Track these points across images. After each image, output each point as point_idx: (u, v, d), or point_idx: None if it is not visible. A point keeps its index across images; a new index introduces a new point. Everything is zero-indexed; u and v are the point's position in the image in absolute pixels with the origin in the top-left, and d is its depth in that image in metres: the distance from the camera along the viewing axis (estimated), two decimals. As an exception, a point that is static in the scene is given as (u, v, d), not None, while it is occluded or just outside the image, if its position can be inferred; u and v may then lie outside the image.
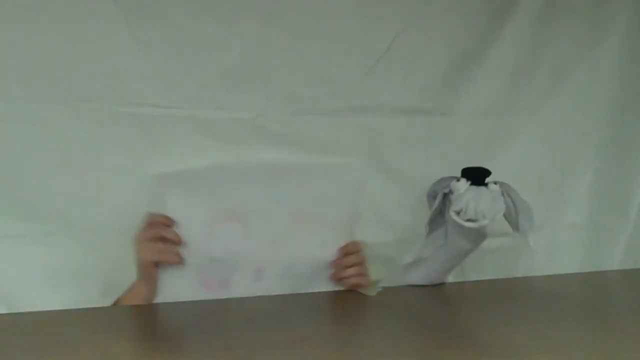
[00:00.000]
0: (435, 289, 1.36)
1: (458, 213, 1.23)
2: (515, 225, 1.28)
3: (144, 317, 1.17)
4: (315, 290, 1.32)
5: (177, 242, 1.23)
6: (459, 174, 1.31)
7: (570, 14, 1.55)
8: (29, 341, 1.03)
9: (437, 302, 1.31)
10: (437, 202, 1.29)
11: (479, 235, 1.26)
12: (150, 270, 1.23)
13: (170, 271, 1.23)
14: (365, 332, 1.11)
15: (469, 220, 1.22)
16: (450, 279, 1.48)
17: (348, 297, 1.31)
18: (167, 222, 1.24)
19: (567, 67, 1.58)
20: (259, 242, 1.27)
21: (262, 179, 1.29)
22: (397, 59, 1.43)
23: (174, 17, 1.31)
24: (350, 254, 1.32)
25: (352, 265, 1.31)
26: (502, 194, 1.26)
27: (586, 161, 1.64)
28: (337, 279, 1.32)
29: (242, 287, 1.27)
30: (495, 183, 1.27)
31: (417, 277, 1.36)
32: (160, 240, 1.23)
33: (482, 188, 1.25)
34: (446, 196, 1.29)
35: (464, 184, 1.25)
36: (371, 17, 1.41)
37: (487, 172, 1.27)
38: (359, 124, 1.43)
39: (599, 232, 1.64)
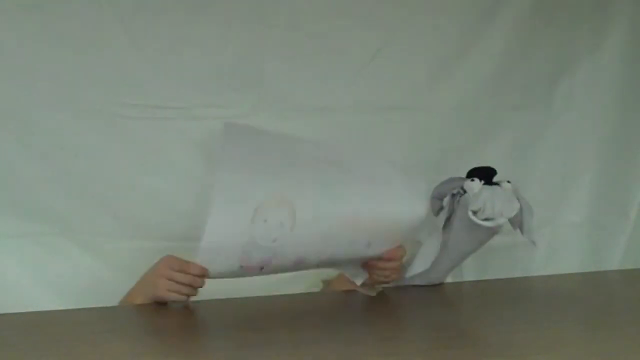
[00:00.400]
0: (435, 289, 1.36)
1: (475, 213, 1.23)
2: (519, 225, 1.27)
3: (144, 317, 1.17)
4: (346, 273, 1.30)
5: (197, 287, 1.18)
6: (456, 174, 1.31)
7: (570, 14, 1.55)
8: (29, 341, 1.03)
9: (437, 302, 1.31)
10: (447, 204, 1.29)
11: (490, 235, 1.27)
12: (155, 300, 1.20)
13: (211, 249, 1.15)
14: (365, 332, 1.10)
15: (485, 219, 1.22)
16: (450, 279, 1.47)
17: (348, 297, 1.31)
18: (203, 273, 1.16)
19: (566, 67, 1.58)
20: (306, 235, 1.19)
21: (320, 165, 1.22)
22: (388, 59, 1.44)
23: (170, 18, 1.32)
24: (392, 261, 1.27)
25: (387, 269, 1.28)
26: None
27: (586, 161, 1.64)
28: (367, 266, 1.28)
29: (278, 271, 1.23)
30: (508, 182, 1.27)
31: (417, 277, 1.36)
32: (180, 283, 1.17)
33: (496, 187, 1.26)
34: (454, 197, 1.29)
35: (478, 183, 1.25)
36: (364, 19, 1.42)
37: (494, 172, 1.28)
38: (349, 121, 1.43)
39: (599, 232, 1.64)
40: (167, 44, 1.33)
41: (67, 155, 1.31)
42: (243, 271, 1.19)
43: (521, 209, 1.27)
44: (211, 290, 1.22)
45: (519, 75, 1.54)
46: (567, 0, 1.55)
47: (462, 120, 1.52)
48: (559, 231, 1.63)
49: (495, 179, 1.29)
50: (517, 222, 1.28)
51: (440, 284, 1.39)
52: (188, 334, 1.08)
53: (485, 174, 1.27)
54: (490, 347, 0.99)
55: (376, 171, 1.27)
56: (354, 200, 1.21)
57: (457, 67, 1.49)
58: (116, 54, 1.30)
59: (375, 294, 1.30)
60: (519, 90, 1.55)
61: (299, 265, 1.23)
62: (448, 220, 1.30)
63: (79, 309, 1.20)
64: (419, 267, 1.31)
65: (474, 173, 1.27)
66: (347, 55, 1.42)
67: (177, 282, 1.16)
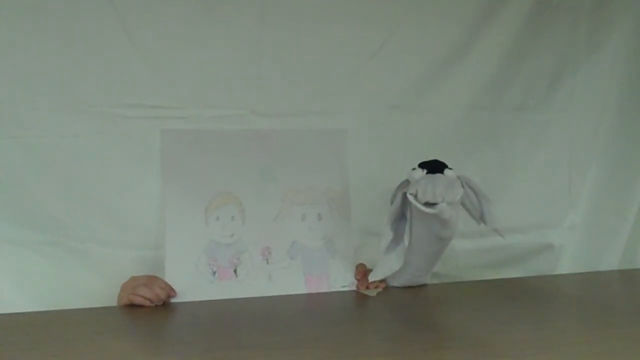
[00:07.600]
0: (435, 290, 1.36)
1: (416, 197, 1.21)
2: (480, 217, 1.25)
3: (144, 317, 1.17)
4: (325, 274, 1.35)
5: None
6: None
7: (571, 14, 1.55)
8: (30, 341, 1.03)
9: (437, 302, 1.31)
10: (396, 201, 1.27)
11: (441, 224, 1.23)
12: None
13: (177, 258, 1.26)
14: (365, 332, 1.11)
15: (427, 204, 1.20)
16: (450, 279, 1.47)
17: (348, 298, 1.31)
18: (171, 293, 1.24)
19: (567, 67, 1.58)
20: (259, 222, 1.31)
21: (253, 155, 1.34)
22: (385, 60, 1.44)
23: (169, 18, 1.32)
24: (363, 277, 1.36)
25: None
26: (460, 181, 1.23)
27: (586, 161, 1.64)
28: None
29: (254, 271, 1.30)
30: (450, 169, 1.25)
31: (395, 281, 1.35)
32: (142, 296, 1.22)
33: (438, 174, 1.23)
34: (405, 195, 1.27)
35: (419, 172, 1.24)
36: (363, 18, 1.42)
37: (443, 165, 1.25)
38: (347, 121, 1.44)
39: (599, 232, 1.64)
40: (165, 44, 1.33)
41: (65, 158, 1.30)
42: (219, 279, 1.27)
43: (479, 200, 1.24)
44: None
45: (520, 75, 1.54)
46: (568, 0, 1.55)
47: (463, 121, 1.51)
48: (559, 231, 1.63)
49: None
50: (477, 214, 1.25)
51: (439, 284, 1.39)
52: (188, 334, 1.08)
53: (433, 165, 1.25)
54: (490, 347, 0.99)
55: (300, 144, 1.38)
56: (290, 177, 1.35)
57: (458, 67, 1.49)
58: (115, 54, 1.30)
59: (375, 294, 1.30)
60: (519, 90, 1.55)
61: (268, 258, 1.31)
62: (404, 220, 1.30)
63: (79, 309, 1.20)
64: (380, 273, 1.33)
65: (421, 165, 1.26)
66: (345, 55, 1.43)
67: (135, 294, 1.21)
